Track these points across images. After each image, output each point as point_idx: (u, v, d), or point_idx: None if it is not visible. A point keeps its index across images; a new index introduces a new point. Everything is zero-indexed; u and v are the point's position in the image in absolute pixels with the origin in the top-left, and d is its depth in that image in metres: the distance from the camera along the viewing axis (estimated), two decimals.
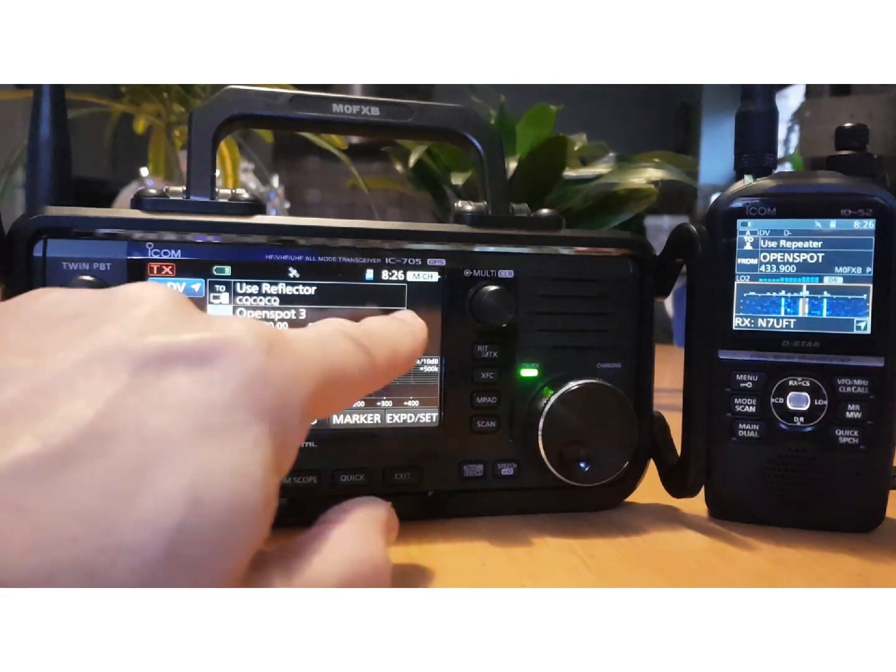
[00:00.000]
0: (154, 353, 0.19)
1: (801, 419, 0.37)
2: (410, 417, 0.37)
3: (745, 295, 0.38)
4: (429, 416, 0.37)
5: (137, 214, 0.34)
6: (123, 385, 0.19)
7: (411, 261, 0.36)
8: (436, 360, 0.37)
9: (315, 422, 0.35)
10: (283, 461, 0.21)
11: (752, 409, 0.37)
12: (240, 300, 0.34)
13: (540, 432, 0.36)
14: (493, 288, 0.36)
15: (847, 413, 0.36)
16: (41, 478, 0.17)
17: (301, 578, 0.21)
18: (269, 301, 0.35)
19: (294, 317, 0.35)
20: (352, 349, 0.24)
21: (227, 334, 0.20)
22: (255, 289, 0.35)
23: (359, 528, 0.24)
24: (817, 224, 0.37)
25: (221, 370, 0.20)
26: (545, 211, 0.39)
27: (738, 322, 0.38)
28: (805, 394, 0.37)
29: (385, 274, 0.36)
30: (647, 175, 0.64)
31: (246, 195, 0.35)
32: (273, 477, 0.20)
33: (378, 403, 0.36)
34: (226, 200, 0.35)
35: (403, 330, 0.27)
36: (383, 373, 0.26)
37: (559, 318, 0.38)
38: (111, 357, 0.19)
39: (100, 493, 0.17)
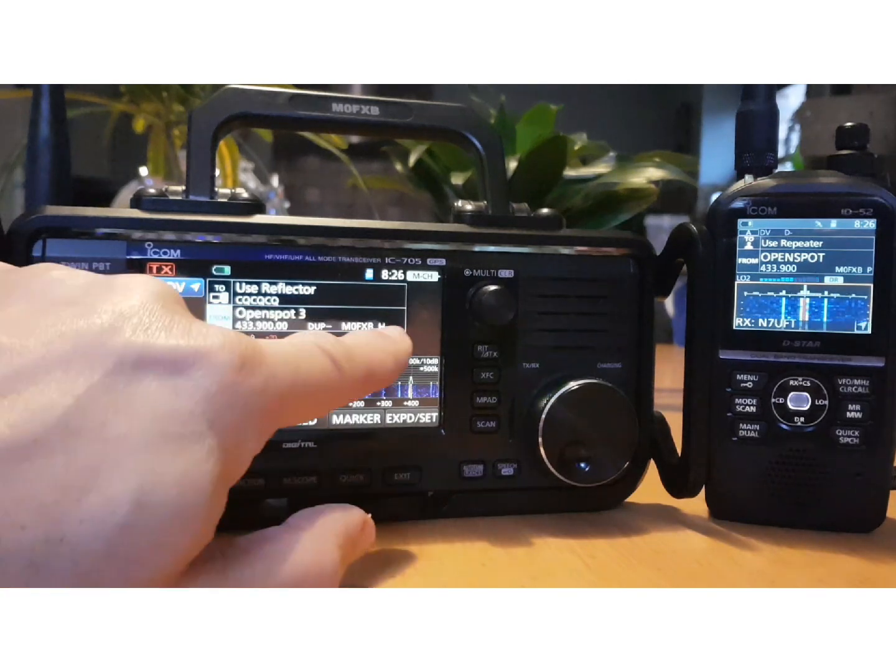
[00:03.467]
0: (130, 356, 0.20)
1: (802, 419, 0.37)
2: (410, 417, 0.37)
3: (745, 295, 0.37)
4: (429, 416, 0.37)
5: (137, 214, 0.33)
6: (96, 383, 0.20)
7: (411, 260, 0.36)
8: (436, 360, 0.37)
9: (315, 423, 0.36)
10: (233, 471, 0.22)
11: (753, 409, 0.37)
12: (239, 300, 0.34)
13: (540, 432, 0.36)
14: (493, 288, 0.36)
15: (848, 413, 0.36)
16: (5, 464, 0.18)
17: (237, 584, 0.22)
18: (268, 301, 0.35)
19: (294, 316, 0.35)
20: (327, 366, 0.25)
21: (203, 344, 0.21)
22: (254, 288, 0.35)
23: (313, 536, 0.25)
24: (818, 224, 0.37)
25: (189, 380, 0.21)
26: (545, 210, 0.39)
27: (739, 322, 0.38)
28: (806, 394, 0.37)
29: (385, 274, 0.36)
30: (647, 175, 0.64)
31: (245, 195, 0.35)
32: (220, 487, 0.21)
33: (378, 403, 0.36)
34: (225, 200, 0.35)
35: (386, 349, 0.28)
36: (355, 390, 0.26)
37: (559, 318, 0.38)
38: (90, 353, 0.20)
39: (54, 486, 0.18)
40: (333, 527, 0.25)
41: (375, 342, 0.27)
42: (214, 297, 0.34)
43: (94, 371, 0.20)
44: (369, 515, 0.28)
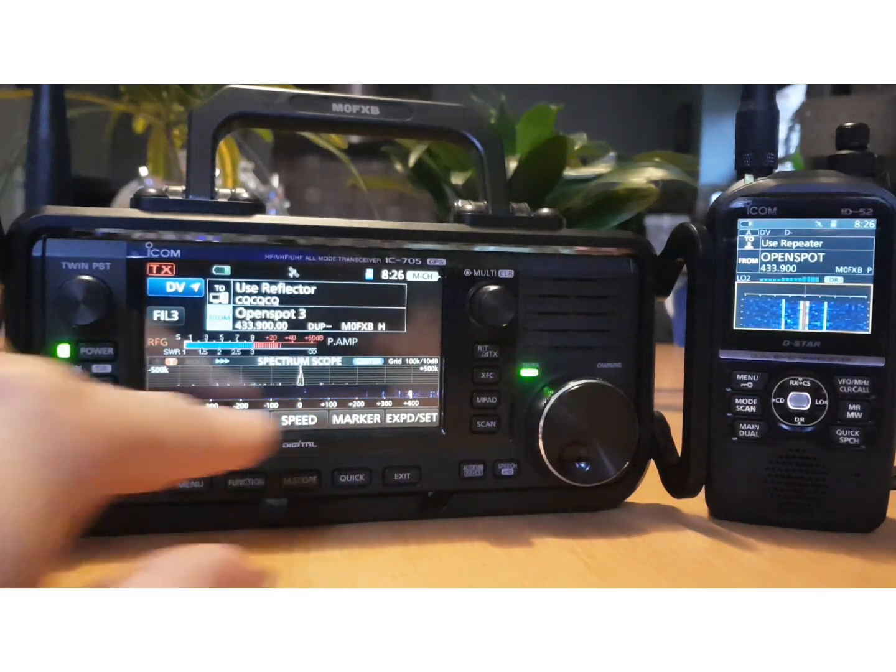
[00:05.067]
0: None
1: (802, 419, 0.37)
2: (410, 417, 0.37)
3: (745, 295, 0.37)
4: (429, 416, 0.37)
5: (137, 214, 0.33)
6: None
7: (411, 260, 0.36)
8: (436, 360, 0.37)
9: (315, 423, 0.35)
10: (74, 508, 0.20)
11: (753, 409, 0.37)
12: (239, 300, 0.34)
13: (540, 432, 0.36)
14: (493, 288, 0.36)
15: (848, 413, 0.36)
16: None
17: None
18: (268, 301, 0.35)
19: (294, 316, 0.35)
20: (174, 419, 0.23)
21: (20, 372, 0.20)
22: (254, 288, 0.35)
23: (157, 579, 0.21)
24: (818, 224, 0.37)
25: (6, 407, 0.19)
26: (545, 210, 0.39)
27: (739, 322, 0.38)
28: (806, 394, 0.37)
29: (385, 274, 0.36)
30: (647, 174, 0.64)
31: (245, 195, 0.35)
32: (50, 523, 0.19)
33: (378, 403, 0.36)
34: (225, 200, 0.35)
35: (246, 421, 0.25)
36: (206, 452, 0.24)
37: (559, 318, 0.38)
38: None
39: None
40: (181, 571, 0.21)
41: (235, 413, 0.26)
42: (214, 297, 0.34)
43: None
44: (233, 551, 0.22)
